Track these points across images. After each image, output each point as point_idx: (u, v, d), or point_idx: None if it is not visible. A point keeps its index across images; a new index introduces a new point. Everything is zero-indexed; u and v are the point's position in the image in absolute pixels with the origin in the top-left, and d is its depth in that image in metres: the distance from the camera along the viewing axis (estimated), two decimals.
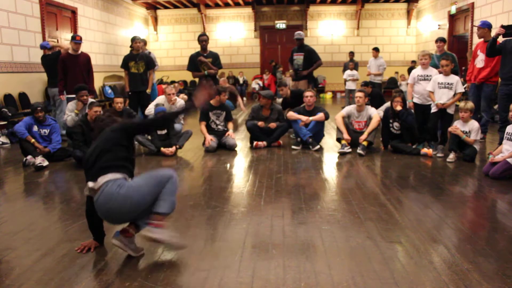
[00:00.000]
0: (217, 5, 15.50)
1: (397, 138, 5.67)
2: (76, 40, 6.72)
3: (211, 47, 8.06)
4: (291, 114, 6.04)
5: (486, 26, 6.07)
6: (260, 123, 6.12)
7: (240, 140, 6.69)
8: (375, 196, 3.75)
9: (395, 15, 15.82)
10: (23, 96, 8.10)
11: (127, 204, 2.42)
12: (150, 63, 7.22)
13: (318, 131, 5.99)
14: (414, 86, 5.74)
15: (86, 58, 6.81)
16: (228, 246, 2.70)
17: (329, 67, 14.99)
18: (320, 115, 5.93)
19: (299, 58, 7.43)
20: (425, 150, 5.37)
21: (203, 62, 6.77)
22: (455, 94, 5.30)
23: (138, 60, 7.00)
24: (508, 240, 2.76)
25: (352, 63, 10.96)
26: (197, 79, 7.30)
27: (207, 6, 15.67)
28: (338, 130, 5.84)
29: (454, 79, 5.31)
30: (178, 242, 2.56)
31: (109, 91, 11.65)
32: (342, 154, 5.54)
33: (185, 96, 9.58)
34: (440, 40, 6.59)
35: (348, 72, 10.77)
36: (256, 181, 4.30)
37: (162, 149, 5.62)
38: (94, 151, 2.56)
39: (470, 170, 4.68)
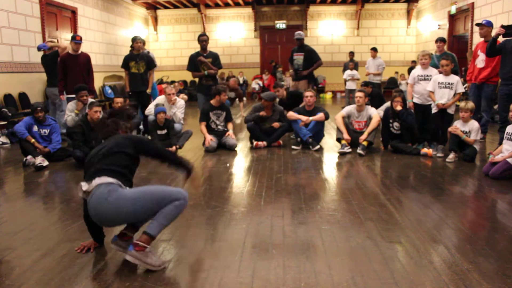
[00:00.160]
0: (217, 5, 15.50)
1: (397, 138, 5.67)
2: (76, 40, 6.72)
3: (211, 47, 8.06)
4: (291, 114, 6.04)
5: (490, 25, 6.07)
6: (262, 113, 6.13)
7: (240, 140, 6.69)
8: (375, 196, 3.75)
9: (395, 15, 15.82)
10: (23, 96, 8.10)
11: (113, 213, 2.33)
12: (150, 63, 7.22)
13: (318, 131, 5.99)
14: (414, 86, 5.73)
15: (86, 58, 6.81)
16: (228, 246, 2.70)
17: (329, 67, 14.99)
18: (320, 115, 5.93)
19: (299, 58, 7.43)
20: (425, 150, 5.37)
21: (203, 62, 6.77)
22: (455, 94, 5.30)
23: (139, 60, 7.00)
24: (508, 240, 2.76)
25: (352, 63, 10.96)
26: (197, 79, 7.29)
27: (207, 6, 15.67)
28: (338, 130, 5.84)
29: (455, 79, 5.31)
30: (156, 267, 2.37)
31: (109, 91, 11.65)
32: (342, 154, 5.54)
33: (185, 96, 9.57)
34: (440, 40, 6.59)
35: (348, 72, 10.77)
36: (256, 181, 4.30)
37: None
38: (100, 150, 2.53)
39: (470, 170, 4.68)
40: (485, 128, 6.39)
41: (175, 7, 15.77)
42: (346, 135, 5.69)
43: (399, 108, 5.53)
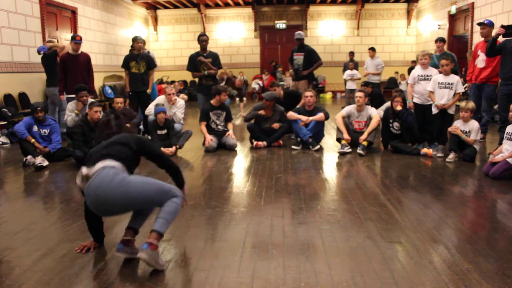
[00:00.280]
0: (217, 5, 15.50)
1: (397, 138, 5.67)
2: (76, 40, 6.72)
3: (211, 47, 8.06)
4: (291, 114, 6.04)
5: (492, 25, 6.06)
6: (261, 112, 6.13)
7: (240, 140, 6.69)
8: (375, 196, 3.75)
9: (395, 15, 15.82)
10: (23, 96, 8.10)
11: (117, 195, 2.28)
12: (151, 63, 7.23)
13: (318, 131, 5.99)
14: (414, 86, 5.73)
15: (86, 58, 6.81)
16: (228, 246, 2.70)
17: (329, 67, 14.99)
18: (320, 115, 5.93)
19: (299, 58, 7.43)
20: (425, 150, 5.37)
21: (203, 62, 6.77)
22: (455, 94, 5.30)
23: (139, 60, 7.00)
24: (508, 240, 2.76)
25: (352, 63, 10.95)
26: (197, 79, 7.29)
27: (207, 6, 15.67)
28: (338, 130, 5.84)
29: (455, 78, 5.31)
30: (162, 266, 2.39)
31: (109, 91, 11.66)
32: (342, 154, 5.54)
33: (185, 96, 9.57)
34: (440, 40, 6.58)
35: (348, 72, 10.77)
36: (256, 181, 4.30)
37: (162, 149, 5.62)
38: (105, 144, 2.54)
39: (470, 170, 4.68)
40: (485, 128, 6.39)
41: (175, 7, 15.77)
42: (346, 135, 5.69)
43: (399, 108, 5.53)
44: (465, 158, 4.97)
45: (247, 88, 15.71)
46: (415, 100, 5.74)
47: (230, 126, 6.18)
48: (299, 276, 2.28)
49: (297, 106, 6.36)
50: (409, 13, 15.58)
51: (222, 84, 9.92)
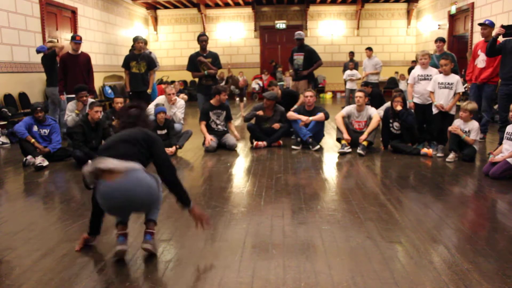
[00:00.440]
0: (217, 5, 15.50)
1: (397, 138, 5.67)
2: (76, 40, 6.72)
3: (211, 47, 8.05)
4: (291, 114, 6.04)
5: (493, 26, 6.06)
6: (259, 112, 6.14)
7: (240, 140, 6.69)
8: (375, 196, 3.75)
9: (395, 15, 15.82)
10: (23, 96, 8.10)
11: (144, 199, 2.40)
12: (151, 63, 7.23)
13: (318, 131, 5.99)
14: (414, 86, 5.73)
15: (86, 58, 6.81)
16: (228, 246, 2.70)
17: (329, 67, 14.98)
18: (320, 115, 5.93)
19: (299, 58, 7.43)
20: (425, 150, 5.37)
21: (203, 62, 6.77)
22: (455, 94, 5.29)
23: (140, 60, 7.01)
24: (508, 240, 2.76)
25: (352, 63, 10.95)
26: (196, 79, 7.29)
27: (207, 6, 15.67)
28: (338, 130, 5.84)
29: (455, 78, 5.31)
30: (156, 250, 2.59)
31: (109, 91, 11.66)
32: (342, 154, 5.54)
33: (185, 96, 9.57)
34: (440, 40, 6.59)
35: (348, 72, 10.77)
36: (256, 181, 4.30)
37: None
38: (120, 138, 2.51)
39: (470, 170, 4.68)
40: (485, 128, 6.39)
41: (175, 7, 15.77)
42: (346, 135, 5.68)
43: (399, 108, 5.53)
44: (465, 158, 4.97)
45: (247, 88, 15.71)
46: (415, 100, 5.74)
47: (232, 127, 6.22)
48: (299, 276, 2.28)
49: (297, 106, 6.36)
50: (409, 13, 15.58)
51: (222, 83, 9.94)
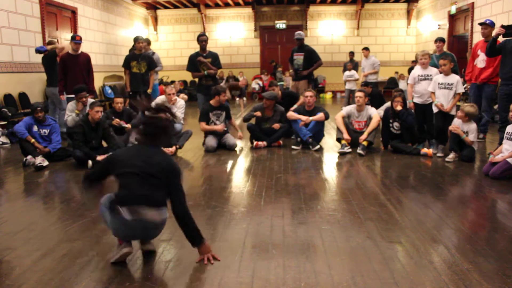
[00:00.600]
0: (217, 5, 15.49)
1: (397, 138, 5.66)
2: (76, 40, 6.71)
3: (211, 47, 8.05)
4: (291, 114, 6.04)
5: (493, 25, 6.06)
6: (257, 113, 6.17)
7: (240, 140, 6.68)
8: (375, 196, 3.75)
9: (395, 15, 15.82)
10: (23, 96, 8.10)
11: (162, 228, 2.53)
12: (152, 63, 7.22)
13: (318, 131, 5.99)
14: (414, 86, 5.72)
15: (86, 58, 6.81)
16: (228, 246, 2.70)
17: (329, 67, 14.98)
18: (320, 115, 5.93)
19: (299, 58, 7.43)
20: (425, 150, 5.37)
21: (203, 62, 6.77)
22: (455, 95, 5.29)
23: (140, 60, 7.00)
24: (508, 240, 2.76)
25: (350, 64, 10.96)
26: (196, 79, 7.29)
27: (207, 6, 15.67)
28: (338, 130, 5.84)
29: (455, 78, 5.30)
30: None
31: (109, 91, 11.65)
32: (342, 154, 5.54)
33: (185, 96, 9.56)
34: (440, 40, 6.59)
35: (346, 73, 10.78)
36: (256, 181, 4.30)
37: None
38: (147, 171, 2.41)
39: (470, 170, 4.68)
40: (485, 128, 6.39)
41: (175, 7, 15.77)
42: (346, 135, 5.68)
43: (399, 108, 5.53)
44: (463, 158, 4.97)
45: (247, 88, 15.70)
46: (415, 100, 5.73)
47: (234, 124, 6.29)
48: (299, 276, 2.28)
49: (297, 106, 6.36)
50: (409, 13, 15.58)
51: (222, 83, 9.93)
